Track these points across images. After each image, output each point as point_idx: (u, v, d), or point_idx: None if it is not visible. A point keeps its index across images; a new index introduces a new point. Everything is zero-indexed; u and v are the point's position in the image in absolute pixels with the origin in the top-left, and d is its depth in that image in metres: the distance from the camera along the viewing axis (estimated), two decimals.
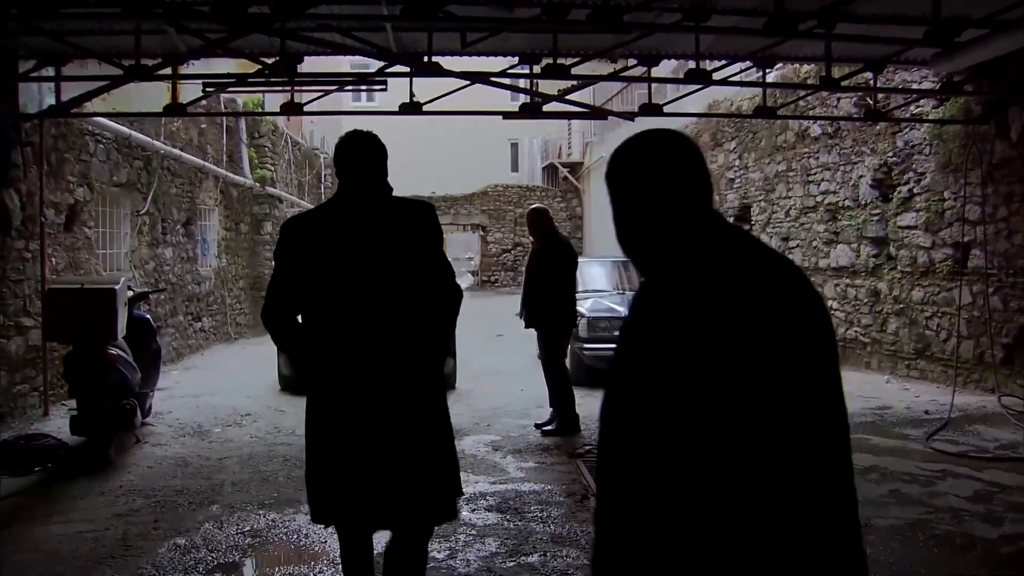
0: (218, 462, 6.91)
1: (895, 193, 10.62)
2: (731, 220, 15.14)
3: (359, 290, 3.24)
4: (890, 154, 10.64)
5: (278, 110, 9.33)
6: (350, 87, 9.12)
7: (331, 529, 4.55)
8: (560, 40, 7.86)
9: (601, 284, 11.63)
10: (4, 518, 5.46)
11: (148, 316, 8.58)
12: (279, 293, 3.32)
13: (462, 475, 3.61)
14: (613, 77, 9.37)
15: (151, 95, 9.94)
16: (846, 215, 11.69)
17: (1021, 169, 8.61)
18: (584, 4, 6.80)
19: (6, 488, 6.01)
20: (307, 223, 3.38)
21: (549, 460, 6.89)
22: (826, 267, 12.24)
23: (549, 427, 7.78)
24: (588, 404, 7.87)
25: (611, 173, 1.83)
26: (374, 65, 8.37)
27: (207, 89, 8.11)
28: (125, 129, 10.60)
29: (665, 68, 9.80)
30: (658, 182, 1.76)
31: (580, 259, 8.32)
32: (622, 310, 9.65)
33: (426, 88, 8.43)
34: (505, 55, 8.45)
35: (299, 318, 3.37)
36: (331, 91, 9.26)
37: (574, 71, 8.12)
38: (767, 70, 9.31)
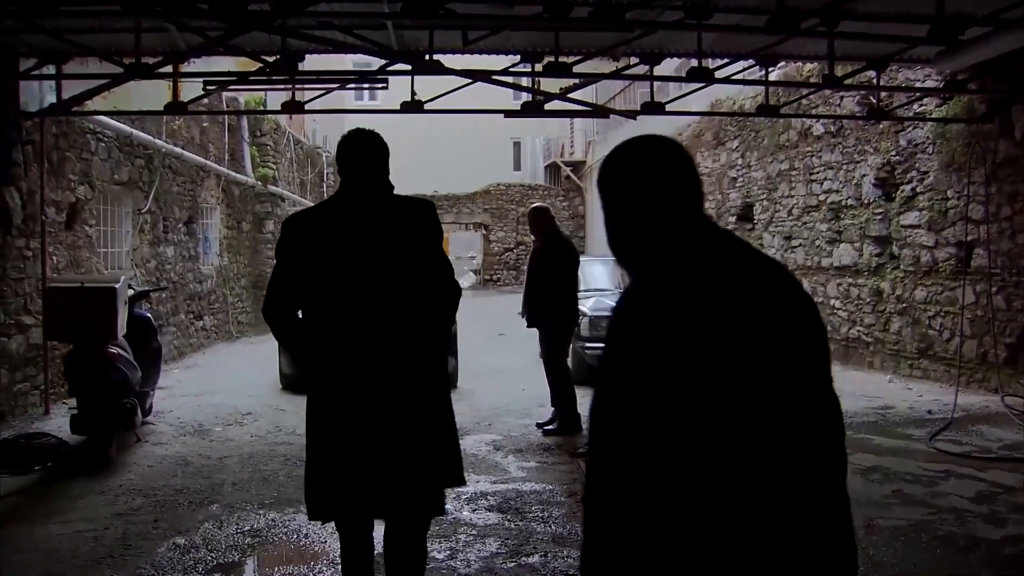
0: (219, 461, 6.89)
1: (898, 192, 10.59)
2: (734, 219, 15.19)
3: (359, 286, 3.26)
4: (893, 153, 10.61)
5: (279, 108, 9.30)
6: (351, 85, 9.08)
7: (331, 528, 4.55)
8: (562, 38, 7.83)
9: (603, 283, 11.60)
10: (4, 517, 5.45)
11: (149, 315, 8.57)
12: (280, 289, 3.34)
13: (463, 474, 3.62)
14: (615, 75, 9.35)
15: (152, 93, 9.92)
16: (849, 214, 11.66)
17: None
18: (586, 2, 6.78)
19: (6, 487, 6.01)
20: (309, 220, 3.42)
21: (550, 460, 6.87)
22: (829, 266, 12.21)
23: (551, 426, 7.76)
24: (590, 404, 7.84)
25: (602, 179, 1.84)
26: (376, 63, 8.35)
27: (208, 87, 8.09)
28: (126, 127, 10.59)
29: (668, 67, 9.77)
30: (647, 188, 1.77)
31: (582, 258, 8.30)
32: None
33: (428, 86, 8.41)
34: (507, 53, 8.42)
35: (300, 314, 3.39)
36: (332, 89, 9.23)
37: (576, 69, 8.10)
38: (770, 69, 9.28)
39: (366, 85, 9.20)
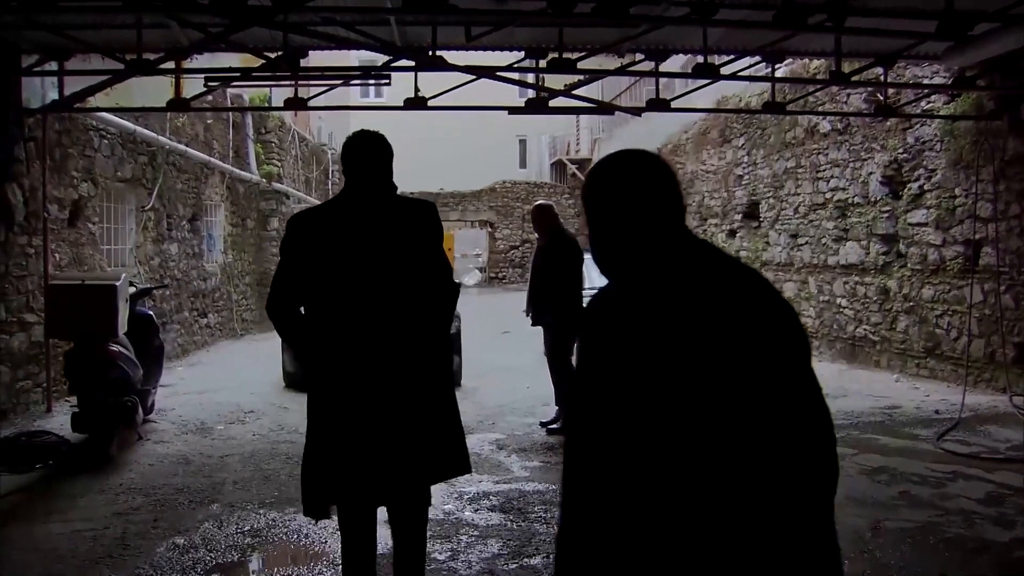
0: (220, 460, 6.86)
1: (905, 190, 10.51)
2: (740, 216, 15.12)
3: (361, 284, 3.35)
4: (900, 150, 10.53)
5: (282, 105, 9.25)
6: (355, 82, 9.04)
7: (332, 529, 4.52)
8: (566, 34, 7.76)
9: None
10: (4, 516, 5.43)
11: (150, 312, 8.53)
12: (284, 286, 3.43)
13: (466, 474, 3.71)
14: (620, 72, 9.28)
15: (154, 90, 9.87)
16: (856, 212, 11.58)
17: None
18: None
19: (6, 485, 5.98)
20: (313, 219, 3.49)
21: (554, 459, 6.81)
22: (835, 264, 12.13)
23: (554, 426, 7.71)
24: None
25: (586, 193, 1.89)
26: (381, 60, 8.30)
27: (210, 83, 8.04)
28: (130, 124, 10.56)
29: (674, 64, 9.71)
30: (626, 203, 1.82)
31: (586, 256, 8.24)
32: None
33: (432, 83, 8.36)
34: (511, 49, 8.36)
35: (303, 310, 3.48)
36: (336, 85, 9.18)
37: (580, 65, 8.03)
38: (776, 65, 9.21)
39: (369, 81, 9.13)
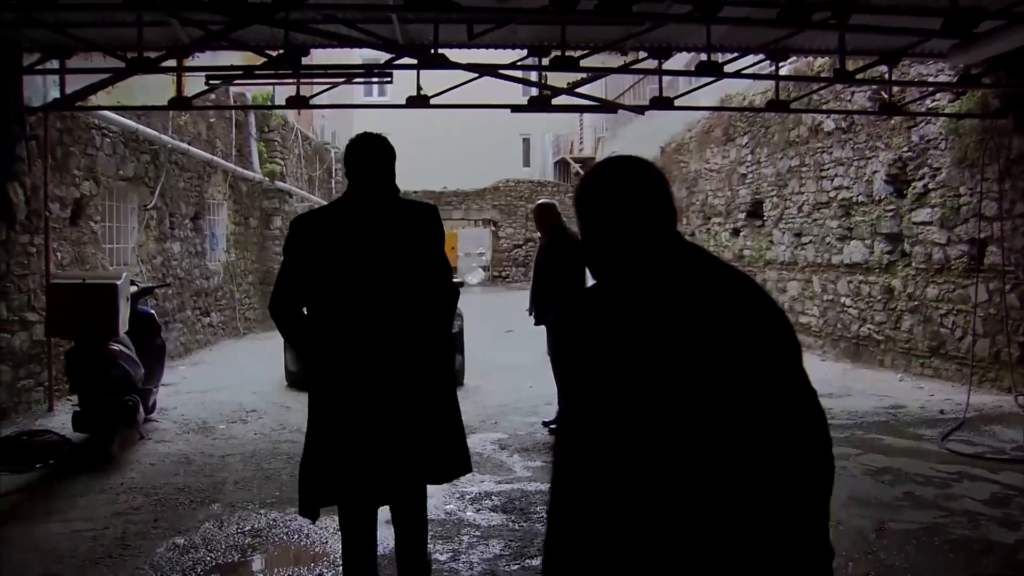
0: (221, 459, 6.84)
1: (910, 189, 10.46)
2: (743, 215, 15.09)
3: (362, 285, 3.40)
4: (905, 149, 10.48)
5: (284, 104, 9.23)
6: (357, 80, 9.02)
7: (333, 529, 4.49)
8: (569, 32, 7.72)
9: None
10: (4, 516, 5.41)
11: (152, 311, 8.50)
12: (287, 286, 3.48)
13: (468, 474, 3.78)
14: (623, 69, 9.24)
15: (156, 89, 9.86)
16: (860, 211, 11.53)
17: None
18: None
19: (7, 485, 5.96)
20: (316, 220, 3.55)
21: None
22: (839, 263, 12.09)
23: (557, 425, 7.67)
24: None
25: (578, 199, 1.93)
26: (385, 59, 8.28)
27: (211, 82, 8.02)
28: (132, 123, 10.55)
29: (677, 63, 9.68)
30: (620, 207, 1.85)
31: None
32: None
33: (434, 82, 8.34)
34: (513, 47, 8.32)
35: (305, 310, 3.53)
36: (339, 83, 9.16)
37: (583, 63, 8.00)
38: (780, 63, 9.17)
39: (371, 79, 9.10)
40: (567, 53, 7.81)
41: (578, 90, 8.78)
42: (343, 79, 8.86)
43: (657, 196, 1.86)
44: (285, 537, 5.02)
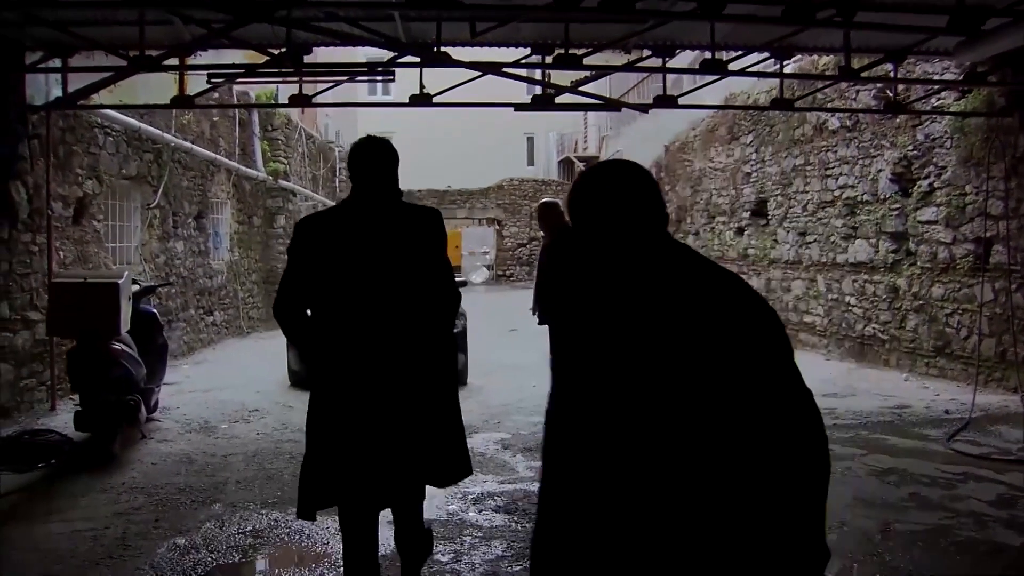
0: (223, 459, 6.81)
1: (915, 187, 10.41)
2: (747, 214, 15.04)
3: (365, 289, 3.43)
4: (910, 147, 10.43)
5: (286, 102, 9.21)
6: (360, 78, 8.99)
7: (334, 529, 4.46)
8: (572, 30, 7.68)
9: None
10: (4, 515, 5.39)
11: (154, 310, 8.49)
12: (291, 289, 3.50)
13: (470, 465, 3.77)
14: (627, 68, 9.20)
15: (159, 88, 9.85)
16: (864, 210, 11.48)
17: None
18: None
19: (9, 484, 5.94)
20: (320, 223, 3.58)
21: None
22: (844, 262, 12.04)
23: None
24: None
25: (571, 201, 1.98)
26: (388, 57, 8.25)
27: (213, 80, 8.00)
28: (135, 122, 10.53)
29: (682, 62, 9.64)
30: (610, 208, 1.90)
31: None
32: None
33: (437, 80, 8.31)
34: (516, 46, 8.27)
35: (309, 312, 3.56)
36: (341, 82, 9.13)
37: (586, 62, 7.96)
38: (785, 61, 9.12)
39: (373, 78, 9.07)
40: (570, 51, 7.78)
41: (582, 89, 8.75)
42: (346, 77, 8.83)
43: (647, 198, 1.91)
44: (287, 537, 4.99)
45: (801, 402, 1.80)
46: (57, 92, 8.39)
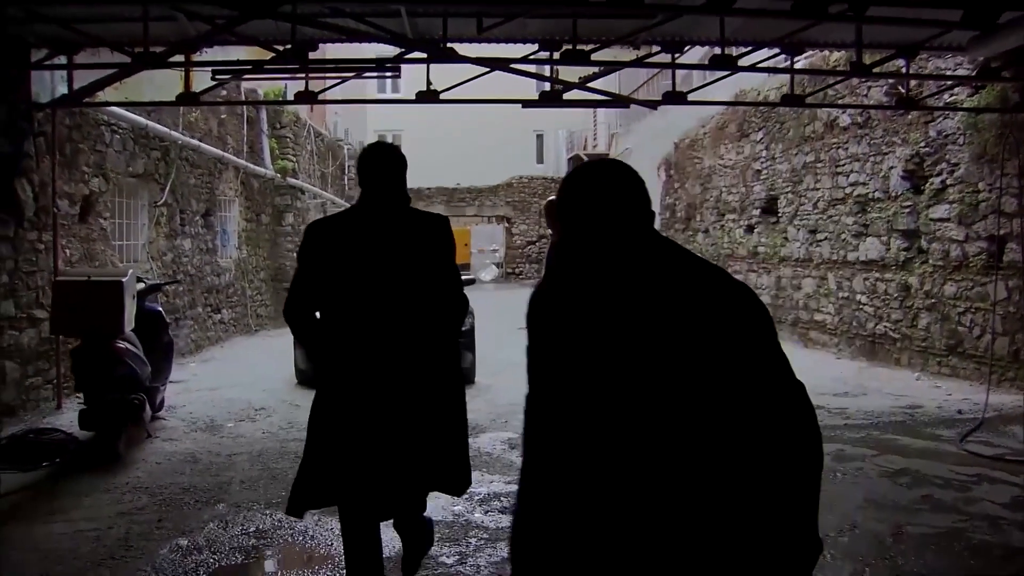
0: (228, 458, 6.77)
1: (927, 184, 10.30)
2: (758, 212, 14.93)
3: (372, 293, 3.46)
4: (922, 144, 10.32)
5: (292, 99, 9.15)
6: (366, 74, 8.94)
7: (338, 531, 4.41)
8: (580, 25, 7.61)
9: None
10: (7, 515, 5.35)
11: (160, 308, 8.45)
12: (301, 292, 3.54)
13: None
14: (636, 63, 9.12)
15: (165, 85, 9.81)
16: (876, 207, 11.37)
17: None
18: None
19: (13, 483, 5.90)
20: (329, 227, 3.62)
21: None
22: (855, 260, 11.93)
23: None
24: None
25: (558, 200, 1.98)
26: (395, 53, 8.19)
27: (217, 76, 7.95)
28: (142, 119, 10.49)
29: (692, 58, 9.55)
30: (597, 207, 1.91)
31: None
32: None
33: (445, 77, 8.25)
34: (523, 41, 8.22)
35: (318, 315, 3.60)
36: (348, 78, 9.07)
37: (595, 57, 7.88)
38: (795, 57, 9.03)
39: (379, 74, 9.02)
40: (578, 47, 7.70)
41: (590, 85, 8.68)
42: (352, 73, 8.78)
43: (632, 196, 1.92)
44: (290, 539, 4.95)
45: (791, 392, 1.80)
46: (63, 89, 8.36)
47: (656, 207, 20.16)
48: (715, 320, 1.78)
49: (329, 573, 4.38)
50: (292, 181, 18.29)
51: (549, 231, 10.71)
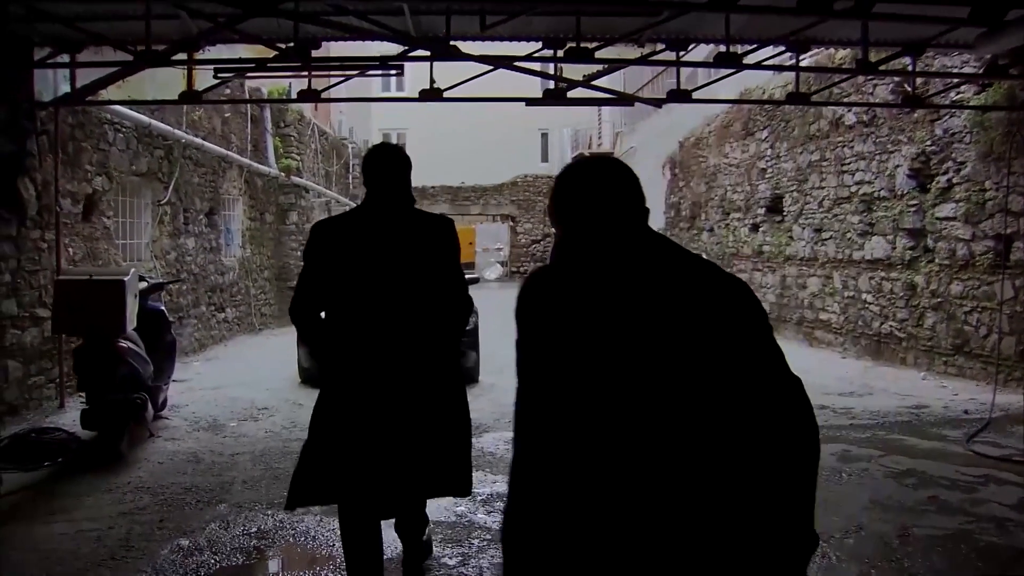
0: (230, 458, 6.75)
1: (933, 183, 10.24)
2: (763, 211, 14.89)
3: (377, 293, 3.48)
4: (928, 142, 10.26)
5: (295, 97, 9.13)
6: (369, 72, 8.90)
7: (339, 531, 4.39)
8: (584, 23, 7.56)
9: None
10: (7, 515, 5.33)
11: (162, 307, 8.42)
12: (306, 292, 3.57)
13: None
14: (640, 61, 9.08)
15: (167, 83, 9.79)
16: (882, 206, 11.32)
17: None
18: None
19: (14, 483, 5.88)
20: (335, 228, 3.64)
21: None
22: (860, 259, 11.88)
23: None
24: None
25: (552, 197, 1.99)
26: (399, 52, 8.16)
27: (220, 75, 7.93)
28: (144, 118, 10.48)
29: (697, 56, 9.50)
30: (589, 204, 1.90)
31: None
32: None
33: (449, 75, 8.22)
34: (527, 39, 8.18)
35: (323, 315, 3.63)
36: (351, 76, 9.05)
37: (599, 55, 7.84)
38: (801, 55, 8.98)
39: (382, 72, 8.99)
40: (582, 45, 7.66)
41: (595, 83, 8.63)
42: (355, 72, 8.75)
43: (626, 193, 1.92)
44: (292, 539, 4.92)
45: (788, 386, 1.79)
46: (65, 88, 8.34)
47: (661, 206, 19.99)
48: (708, 313, 1.78)
49: (331, 574, 4.35)
50: (296, 180, 18.26)
51: (553, 230, 10.72)
